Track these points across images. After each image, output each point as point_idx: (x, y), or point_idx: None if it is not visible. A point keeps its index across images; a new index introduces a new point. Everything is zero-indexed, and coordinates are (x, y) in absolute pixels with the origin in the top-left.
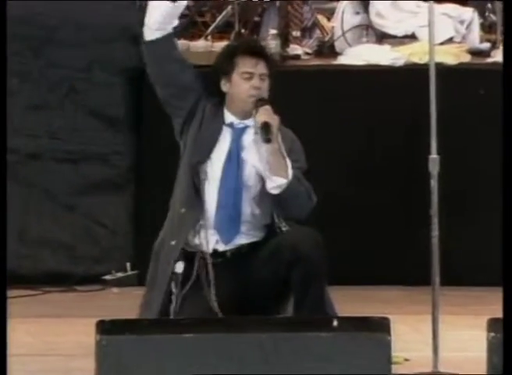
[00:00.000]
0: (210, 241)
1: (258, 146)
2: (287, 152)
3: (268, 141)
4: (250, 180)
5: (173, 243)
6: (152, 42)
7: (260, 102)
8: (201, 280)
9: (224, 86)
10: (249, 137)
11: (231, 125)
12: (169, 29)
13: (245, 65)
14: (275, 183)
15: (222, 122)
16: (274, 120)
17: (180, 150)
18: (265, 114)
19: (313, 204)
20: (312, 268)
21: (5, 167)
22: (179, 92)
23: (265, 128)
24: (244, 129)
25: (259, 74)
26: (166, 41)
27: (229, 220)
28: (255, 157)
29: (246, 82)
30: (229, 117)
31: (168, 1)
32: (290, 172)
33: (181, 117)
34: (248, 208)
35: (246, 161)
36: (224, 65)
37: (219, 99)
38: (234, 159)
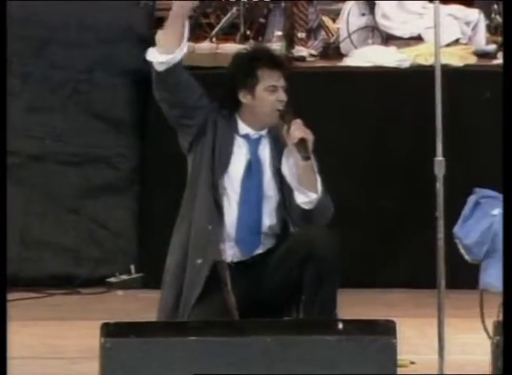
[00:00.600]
0: (229, 253)
1: (289, 160)
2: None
3: (307, 158)
4: (269, 191)
5: (200, 261)
6: (162, 73)
7: (287, 116)
8: (219, 285)
9: (244, 98)
10: (265, 148)
11: (246, 136)
12: (178, 57)
13: (270, 79)
14: (308, 199)
15: (236, 133)
16: (309, 135)
17: (188, 164)
18: (300, 129)
19: (332, 212)
20: (325, 267)
21: (5, 169)
22: (188, 112)
23: (302, 145)
24: (259, 139)
25: (281, 86)
26: (175, 70)
27: (250, 234)
28: (286, 171)
29: (271, 95)
30: (244, 128)
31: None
32: (320, 186)
33: (190, 135)
34: (267, 219)
35: (283, 175)
36: (244, 77)
37: (231, 109)
38: (254, 171)
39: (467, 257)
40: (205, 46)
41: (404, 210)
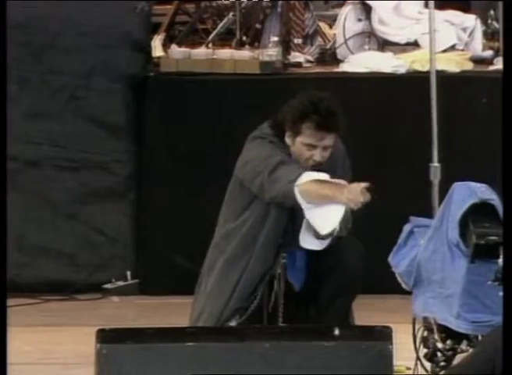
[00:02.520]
0: None
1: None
2: (340, 169)
3: (322, 239)
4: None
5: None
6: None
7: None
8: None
9: (288, 139)
10: None
11: None
12: None
13: (311, 137)
14: (321, 247)
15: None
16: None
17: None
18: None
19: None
20: (348, 279)
21: (5, 175)
22: None
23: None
24: None
25: (323, 146)
26: None
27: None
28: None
29: (307, 151)
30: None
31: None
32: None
33: None
34: None
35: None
36: (291, 123)
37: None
38: None
39: (403, 285)
40: (201, 52)
41: (401, 216)
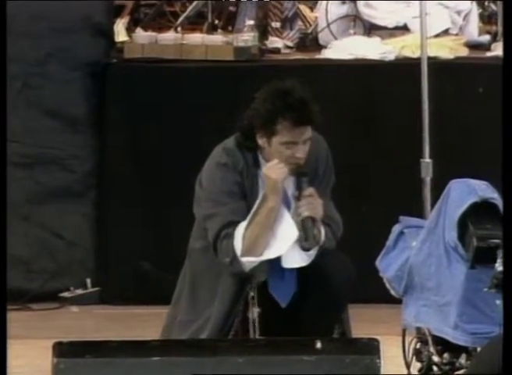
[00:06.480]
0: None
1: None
2: (322, 173)
3: (307, 250)
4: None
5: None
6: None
7: (300, 176)
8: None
9: (260, 140)
10: (289, 186)
11: None
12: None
13: (288, 135)
14: (306, 262)
15: (260, 169)
16: (318, 212)
17: None
18: (307, 206)
19: (338, 234)
20: (332, 300)
21: (5, 175)
22: None
23: (308, 224)
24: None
25: (303, 141)
26: None
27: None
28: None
29: (287, 150)
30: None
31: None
32: (323, 238)
33: None
34: None
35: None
36: (262, 126)
37: (254, 149)
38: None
39: (391, 291)
40: (169, 36)
41: (391, 216)
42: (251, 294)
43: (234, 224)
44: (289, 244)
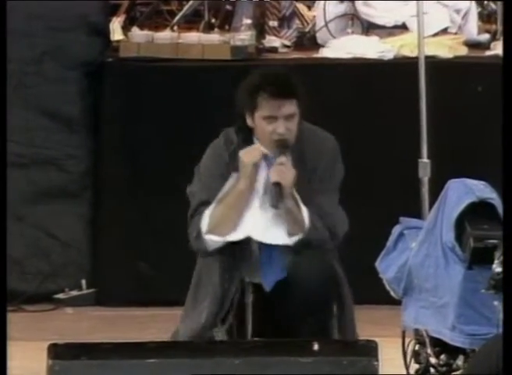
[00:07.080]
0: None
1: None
2: (323, 170)
3: (275, 207)
4: None
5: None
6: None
7: (281, 148)
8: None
9: (249, 120)
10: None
11: (265, 158)
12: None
13: (267, 108)
14: (290, 241)
15: None
16: (287, 180)
17: None
18: (277, 173)
19: (339, 238)
20: (309, 303)
21: (5, 175)
22: None
23: (276, 189)
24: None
25: (284, 116)
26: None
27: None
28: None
29: (268, 125)
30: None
31: None
32: (307, 223)
33: None
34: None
35: None
36: (246, 102)
37: (247, 131)
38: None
39: (391, 293)
40: (166, 35)
41: (390, 216)
42: (247, 279)
43: (210, 203)
44: (257, 232)
